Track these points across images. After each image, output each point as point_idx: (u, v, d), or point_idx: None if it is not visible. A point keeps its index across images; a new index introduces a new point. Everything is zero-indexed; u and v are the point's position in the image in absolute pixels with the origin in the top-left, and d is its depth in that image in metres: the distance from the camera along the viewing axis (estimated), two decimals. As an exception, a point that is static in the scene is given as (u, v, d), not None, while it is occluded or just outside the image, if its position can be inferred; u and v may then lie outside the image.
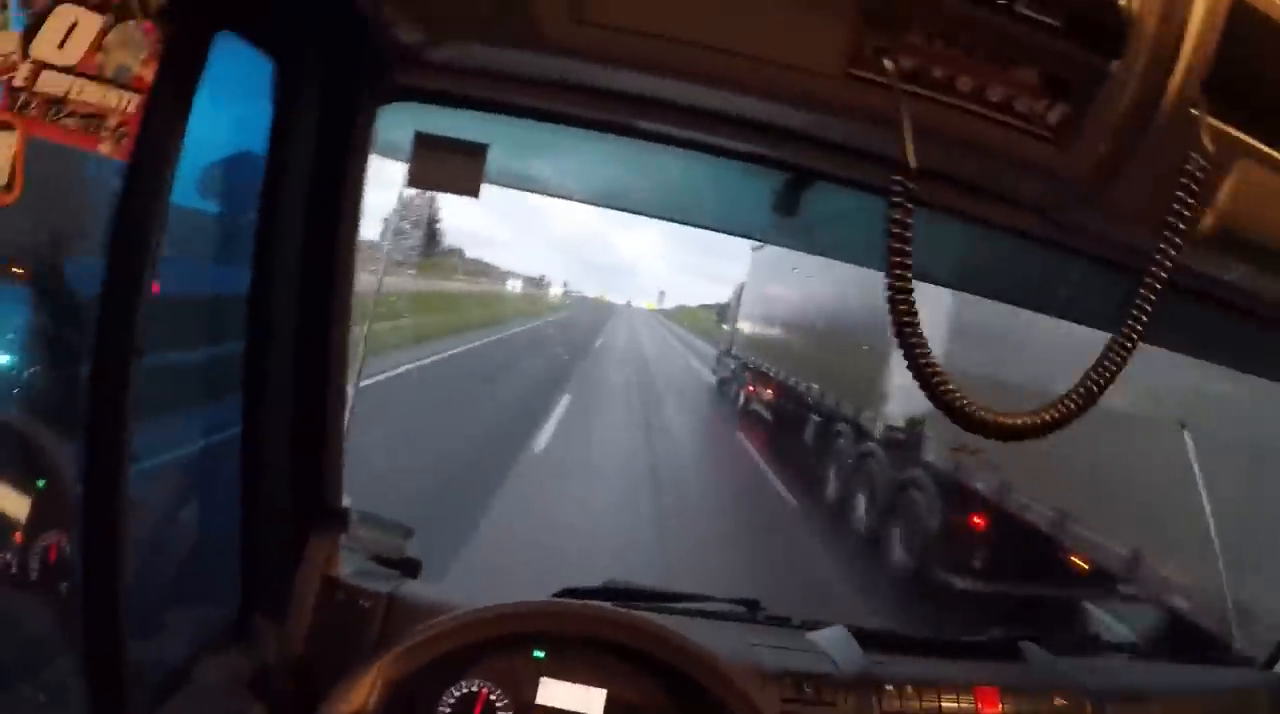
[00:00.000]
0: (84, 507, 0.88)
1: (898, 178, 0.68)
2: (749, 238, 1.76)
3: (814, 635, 1.41)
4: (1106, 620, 4.83)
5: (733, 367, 15.87)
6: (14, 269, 0.81)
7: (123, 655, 0.92)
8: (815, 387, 9.88)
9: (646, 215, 1.84)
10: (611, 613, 1.16)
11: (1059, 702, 1.31)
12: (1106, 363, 0.72)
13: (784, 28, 0.74)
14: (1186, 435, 2.84)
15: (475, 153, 1.10)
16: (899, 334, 0.69)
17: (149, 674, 0.98)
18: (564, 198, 1.78)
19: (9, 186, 0.68)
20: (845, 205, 1.20)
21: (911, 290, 0.68)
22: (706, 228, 1.77)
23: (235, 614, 1.23)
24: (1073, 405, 0.71)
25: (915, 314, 0.69)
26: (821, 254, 1.98)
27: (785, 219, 1.24)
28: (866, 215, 1.19)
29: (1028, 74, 0.75)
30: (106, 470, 0.89)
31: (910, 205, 0.69)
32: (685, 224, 1.74)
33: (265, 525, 1.25)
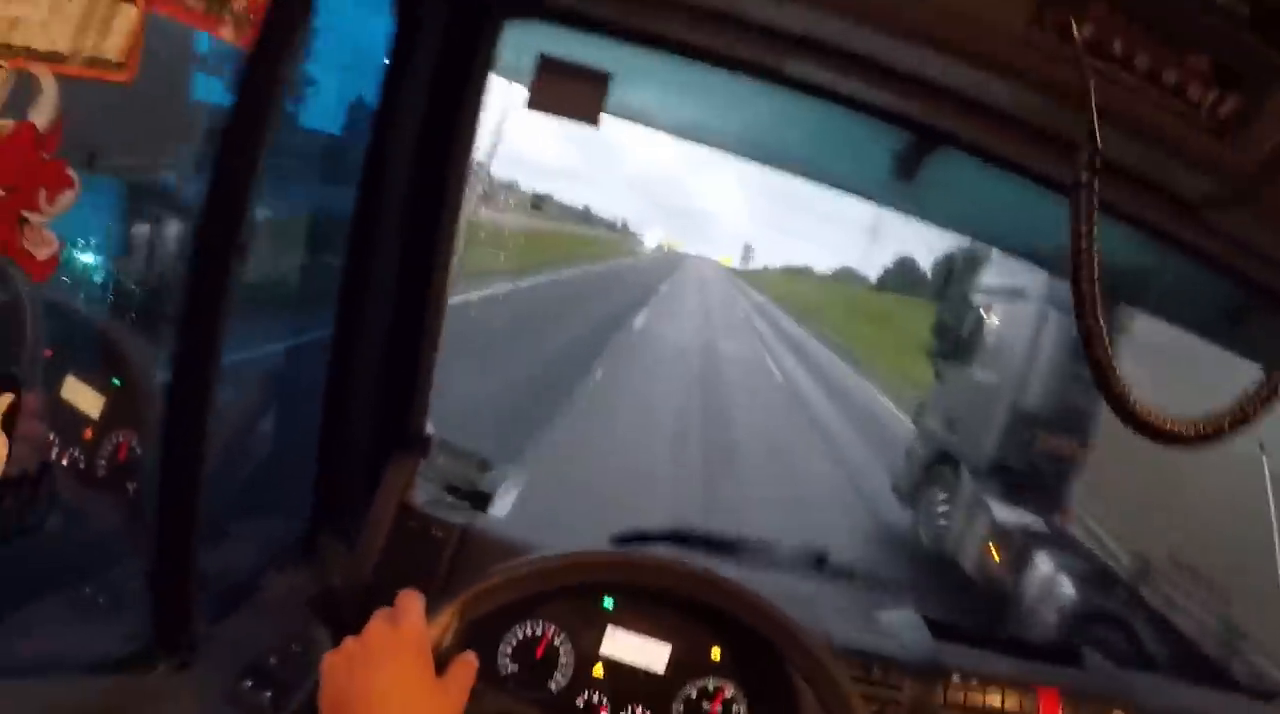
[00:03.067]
0: (169, 408, 0.86)
1: (1088, 155, 0.63)
2: (859, 195, 1.72)
3: (884, 615, 1.40)
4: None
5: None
6: (110, 160, 0.76)
7: (192, 563, 0.90)
8: None
9: (758, 161, 1.82)
10: (689, 568, 1.12)
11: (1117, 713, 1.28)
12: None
13: None
14: (1264, 458, 2.58)
15: (598, 80, 1.07)
16: (1080, 323, 0.66)
17: (213, 584, 0.96)
18: (673, 134, 1.73)
19: (123, 65, 0.63)
20: (967, 176, 1.16)
21: (1098, 277, 0.65)
22: (816, 180, 1.72)
23: (303, 531, 1.22)
24: (1243, 415, 0.66)
25: (1098, 303, 0.65)
26: (930, 222, 1.90)
27: (899, 183, 1.22)
28: (990, 188, 1.18)
29: (1202, 60, 0.71)
30: (196, 374, 0.86)
31: (1096, 185, 0.64)
32: (795, 174, 1.69)
33: (344, 445, 1.24)
